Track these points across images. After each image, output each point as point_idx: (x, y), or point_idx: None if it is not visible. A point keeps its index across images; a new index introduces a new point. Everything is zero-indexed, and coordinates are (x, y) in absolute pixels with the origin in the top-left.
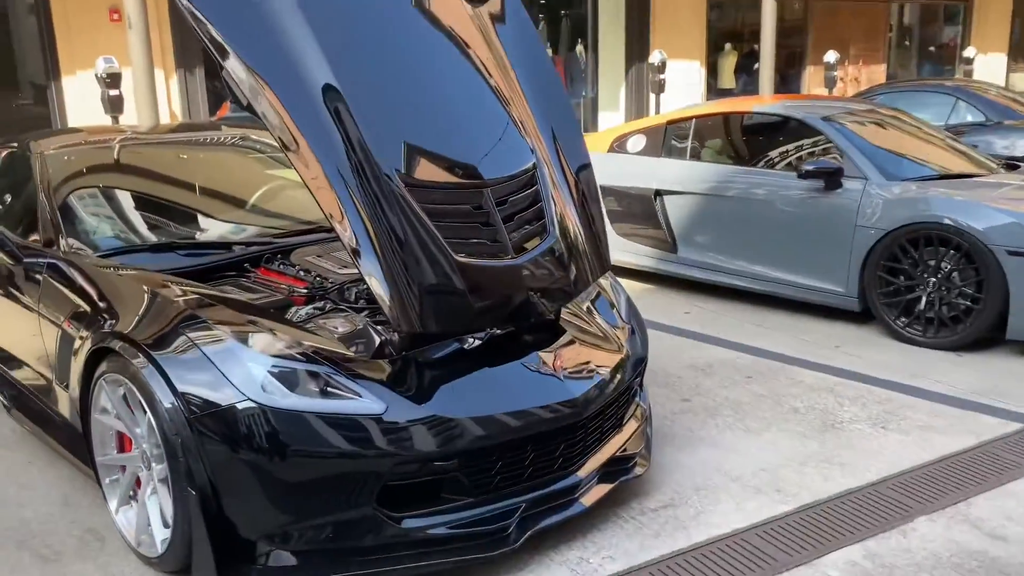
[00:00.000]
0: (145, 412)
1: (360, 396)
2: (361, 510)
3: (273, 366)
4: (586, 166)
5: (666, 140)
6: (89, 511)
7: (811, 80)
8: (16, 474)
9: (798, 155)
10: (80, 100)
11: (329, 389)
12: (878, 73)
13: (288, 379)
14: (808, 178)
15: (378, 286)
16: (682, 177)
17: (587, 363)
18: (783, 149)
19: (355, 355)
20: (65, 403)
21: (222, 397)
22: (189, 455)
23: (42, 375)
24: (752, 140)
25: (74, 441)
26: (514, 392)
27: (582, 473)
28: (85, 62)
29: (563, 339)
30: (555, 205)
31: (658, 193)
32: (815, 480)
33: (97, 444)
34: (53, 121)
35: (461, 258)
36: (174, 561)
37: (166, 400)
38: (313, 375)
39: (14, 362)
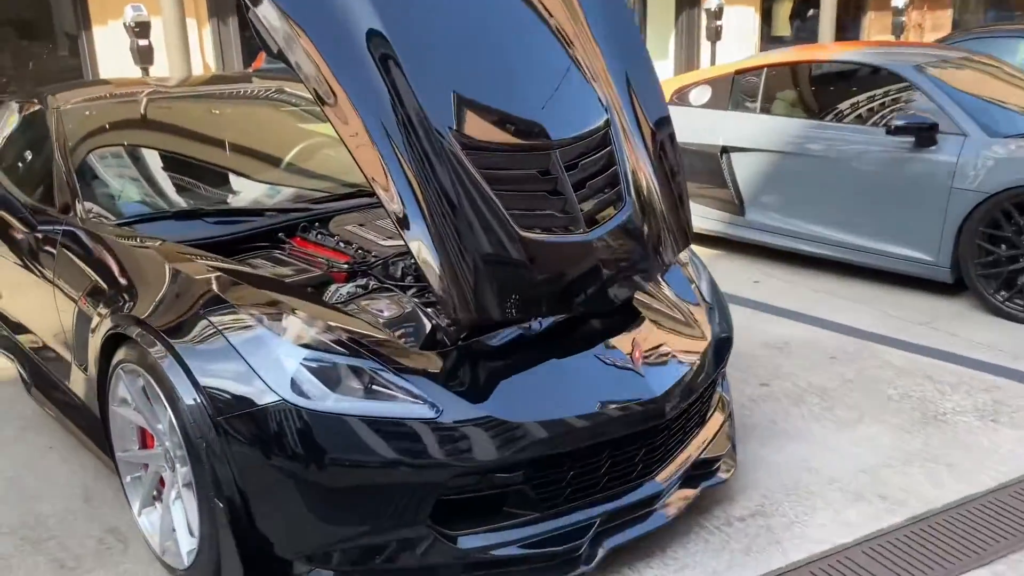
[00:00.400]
0: (166, 408)
1: (410, 396)
2: (413, 528)
3: (310, 359)
4: (665, 119)
5: (734, 92)
6: (111, 508)
7: (871, 27)
8: (35, 462)
9: (879, 107)
10: (112, 50)
11: (374, 387)
12: (943, 19)
13: (327, 375)
14: (898, 134)
15: (427, 255)
16: (752, 132)
17: (669, 353)
18: (865, 101)
19: (403, 344)
20: (84, 386)
21: (251, 394)
22: (215, 459)
23: (60, 354)
24: (830, 91)
25: (94, 428)
26: (587, 389)
27: (661, 479)
28: (116, 11)
29: (639, 324)
30: (631, 168)
31: (724, 150)
32: (923, 485)
33: (117, 438)
34: (85, 73)
35: (525, 232)
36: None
37: (188, 396)
38: (356, 371)
39: (33, 338)
